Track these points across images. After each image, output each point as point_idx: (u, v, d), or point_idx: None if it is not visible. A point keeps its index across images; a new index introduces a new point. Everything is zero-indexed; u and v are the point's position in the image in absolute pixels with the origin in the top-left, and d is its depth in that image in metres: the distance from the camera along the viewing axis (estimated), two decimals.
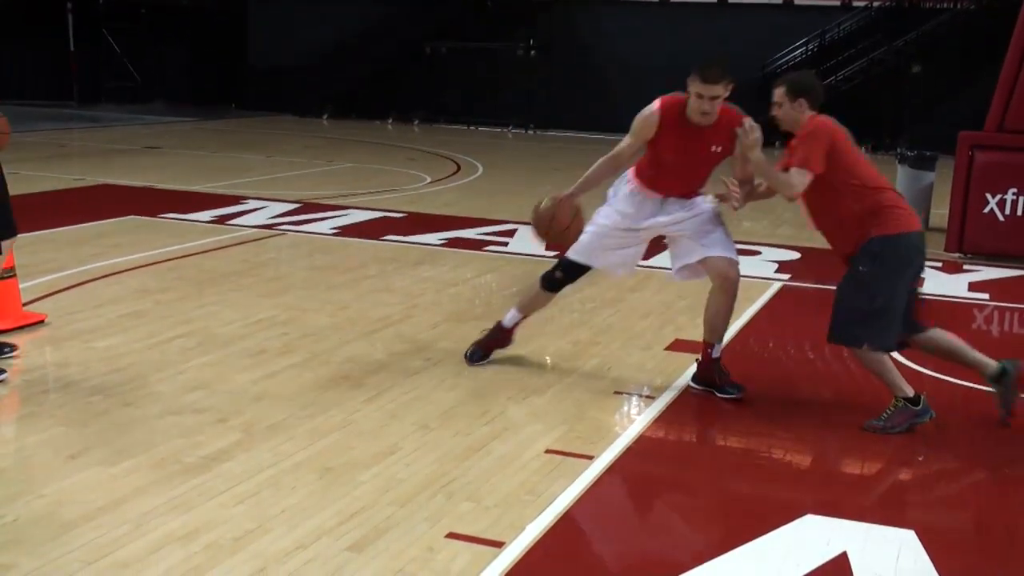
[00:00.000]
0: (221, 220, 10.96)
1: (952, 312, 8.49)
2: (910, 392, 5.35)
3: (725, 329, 5.93)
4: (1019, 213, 10.31)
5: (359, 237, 10.35)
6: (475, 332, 6.88)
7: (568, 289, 8.33)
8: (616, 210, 5.90)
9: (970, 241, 10.51)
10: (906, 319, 5.39)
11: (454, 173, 16.72)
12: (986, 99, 10.85)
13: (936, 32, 23.50)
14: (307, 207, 12.10)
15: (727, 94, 5.44)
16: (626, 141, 5.78)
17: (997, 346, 7.77)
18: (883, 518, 4.30)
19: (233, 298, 7.59)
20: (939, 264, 10.11)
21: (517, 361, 6.30)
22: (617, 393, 5.80)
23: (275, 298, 7.64)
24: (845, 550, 3.92)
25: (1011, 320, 8.40)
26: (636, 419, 5.39)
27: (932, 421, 5.38)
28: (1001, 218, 10.36)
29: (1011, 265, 10.01)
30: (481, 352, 6.22)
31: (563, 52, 26.56)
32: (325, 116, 27.60)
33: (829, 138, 5.26)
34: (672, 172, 5.73)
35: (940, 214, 11.60)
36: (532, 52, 26.73)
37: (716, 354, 5.86)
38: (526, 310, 6.27)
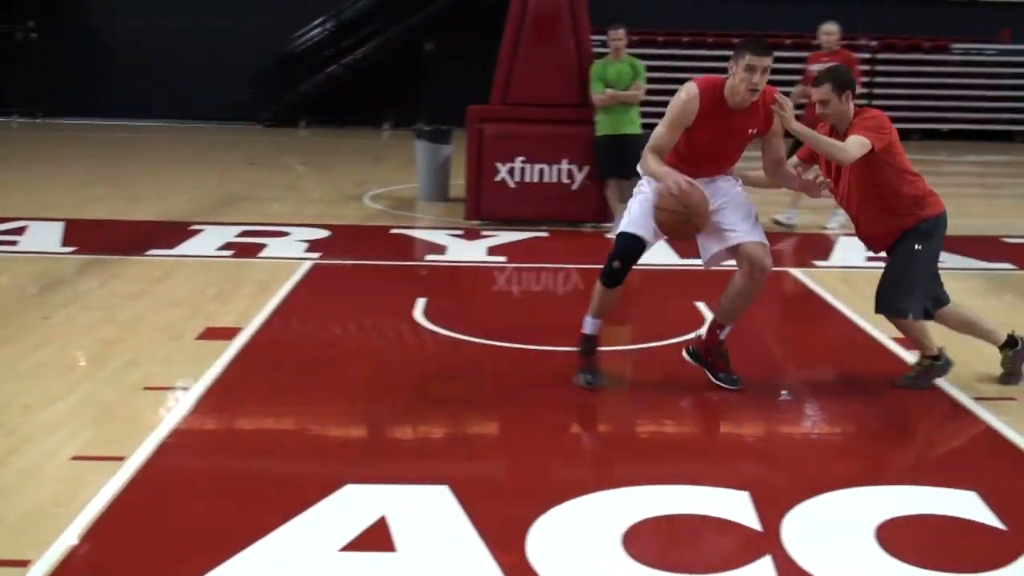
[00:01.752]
0: None
1: (476, 276, 8.99)
2: (935, 350, 5.78)
3: (740, 316, 5.77)
4: (527, 180, 11.06)
5: None
6: None
7: (92, 284, 7.95)
8: (653, 185, 5.54)
9: (486, 208, 11.13)
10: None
11: None
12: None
13: (445, 10, 24.56)
14: None
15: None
16: (665, 133, 5.42)
17: (518, 303, 8.33)
18: (418, 477, 4.47)
19: None
20: (461, 232, 10.64)
21: (36, 367, 5.88)
22: (148, 389, 5.57)
23: None
24: (384, 514, 4.03)
25: (528, 279, 9.01)
26: (169, 413, 5.20)
27: (457, 383, 5.68)
28: (512, 185, 11.06)
29: (523, 228, 10.74)
30: (591, 371, 5.76)
31: (71, 35, 24.99)
32: None
33: (891, 129, 5.51)
34: (706, 154, 5.51)
35: (458, 184, 12.19)
36: (34, 35, 24.92)
37: (723, 336, 5.77)
38: (602, 313, 5.79)
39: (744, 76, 5.25)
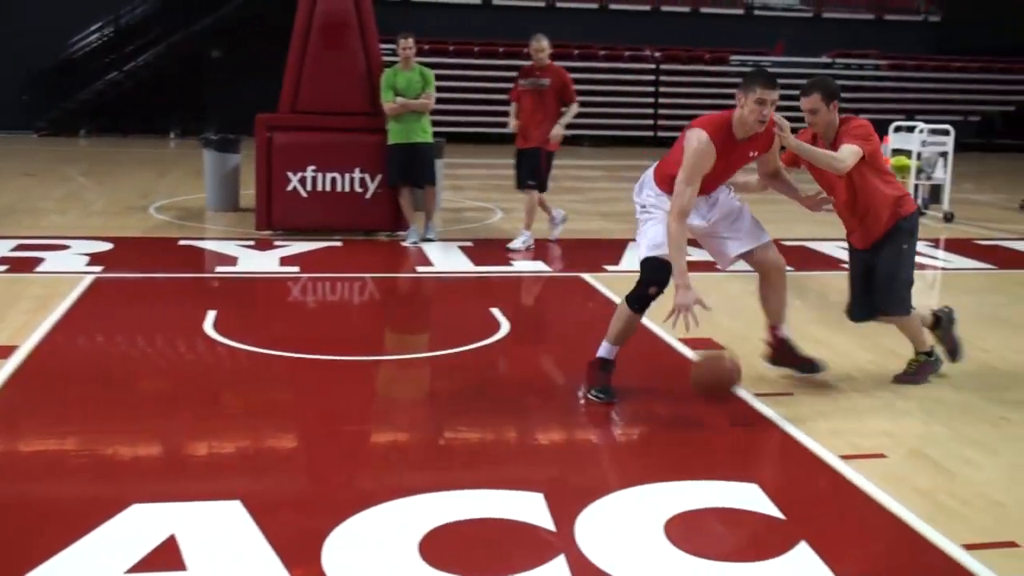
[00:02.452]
0: None
1: (268, 287, 8.82)
2: (928, 346, 6.16)
3: (785, 309, 6.05)
4: (319, 189, 10.94)
5: None
6: None
7: None
8: (663, 208, 5.66)
9: (277, 218, 10.96)
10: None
11: None
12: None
13: (232, 17, 24.07)
14: None
15: None
16: (689, 190, 5.42)
17: (312, 314, 8.22)
18: (209, 494, 4.35)
19: None
20: (252, 242, 10.44)
21: None
22: None
23: None
24: (173, 533, 3.90)
25: (321, 289, 8.90)
26: None
27: (250, 396, 5.55)
28: (304, 194, 10.92)
29: (316, 238, 10.62)
30: (608, 390, 5.71)
31: None
32: None
33: (875, 135, 5.83)
34: (708, 181, 5.59)
35: (248, 194, 11.95)
36: None
37: (784, 335, 6.05)
38: (621, 340, 5.79)
39: (754, 108, 5.40)
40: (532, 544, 3.98)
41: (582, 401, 5.76)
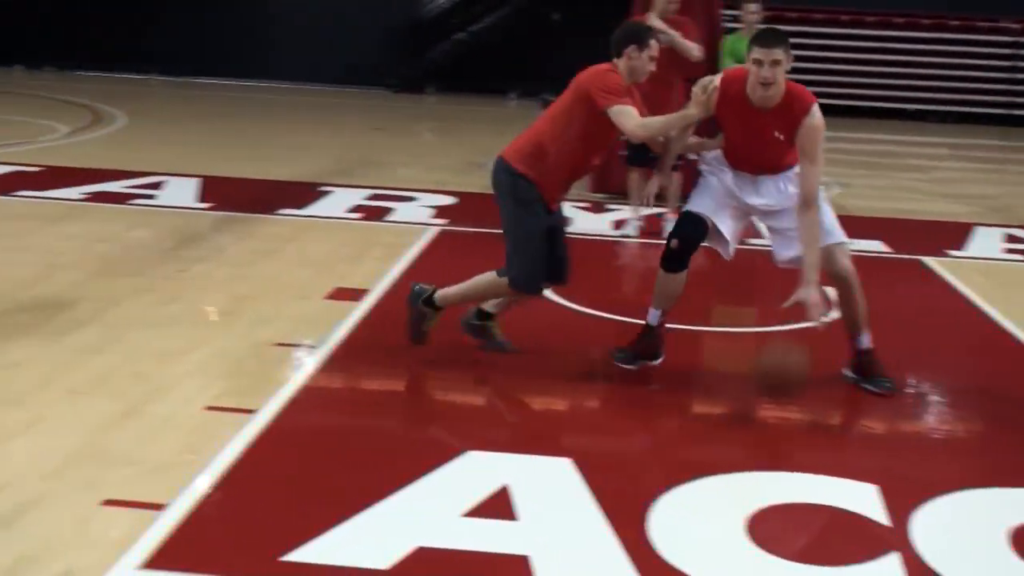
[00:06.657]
0: None
1: (600, 250, 8.90)
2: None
3: (861, 317, 5.39)
4: None
5: None
6: (127, 289, 6.56)
7: (227, 240, 8.14)
8: (720, 172, 5.40)
9: (614, 182, 10.95)
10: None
11: (92, 123, 15.76)
12: None
13: None
14: None
15: (789, 63, 5.01)
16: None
17: (645, 280, 8.23)
18: (542, 449, 4.49)
19: None
20: (586, 205, 10.55)
21: (169, 318, 6.05)
22: (278, 345, 5.69)
23: None
24: (506, 483, 4.05)
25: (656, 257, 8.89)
26: (298, 370, 5.31)
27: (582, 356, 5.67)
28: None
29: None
30: (630, 356, 5.53)
31: None
32: None
33: None
34: (741, 150, 5.29)
35: None
36: None
37: (863, 345, 5.40)
38: (664, 303, 5.50)
39: (754, 71, 5.00)
40: (863, 537, 3.85)
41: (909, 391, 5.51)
